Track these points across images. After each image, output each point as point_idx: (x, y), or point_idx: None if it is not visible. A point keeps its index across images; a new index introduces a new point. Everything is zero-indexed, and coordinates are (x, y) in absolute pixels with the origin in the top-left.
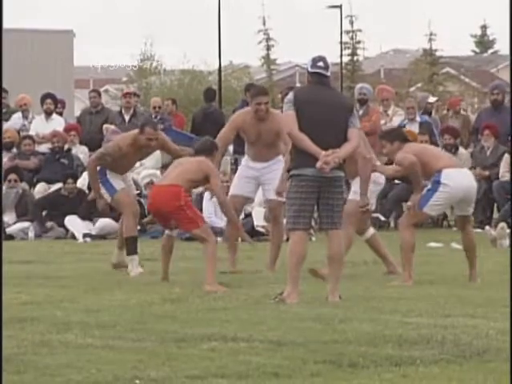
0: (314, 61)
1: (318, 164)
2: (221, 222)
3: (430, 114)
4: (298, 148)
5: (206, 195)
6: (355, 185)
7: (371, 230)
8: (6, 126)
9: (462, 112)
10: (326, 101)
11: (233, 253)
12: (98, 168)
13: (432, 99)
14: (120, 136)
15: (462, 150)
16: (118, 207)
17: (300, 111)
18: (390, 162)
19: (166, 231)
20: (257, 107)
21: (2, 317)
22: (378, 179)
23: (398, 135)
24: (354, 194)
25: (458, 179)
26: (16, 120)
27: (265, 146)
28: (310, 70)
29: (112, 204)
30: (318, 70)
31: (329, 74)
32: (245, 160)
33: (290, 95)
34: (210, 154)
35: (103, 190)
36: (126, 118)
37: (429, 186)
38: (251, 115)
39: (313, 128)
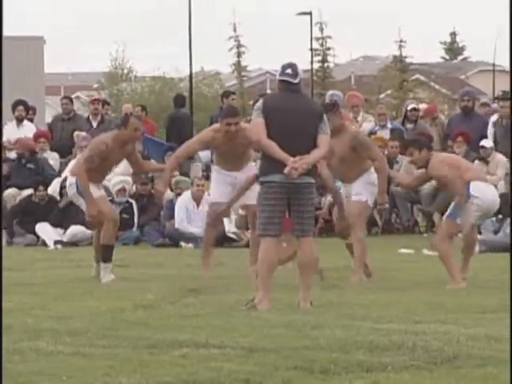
0: (283, 68)
1: (286, 170)
2: (191, 227)
3: (415, 121)
4: (266, 155)
5: (179, 201)
6: (356, 187)
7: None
8: None
9: (439, 118)
10: (294, 108)
11: (208, 258)
12: (74, 179)
13: (411, 106)
14: (100, 136)
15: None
16: (99, 215)
17: (269, 118)
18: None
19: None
20: (227, 128)
21: None
22: (375, 181)
23: (426, 143)
24: (356, 195)
25: (487, 193)
26: None
27: (237, 159)
28: (278, 77)
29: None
30: (285, 78)
31: (297, 80)
32: (217, 169)
33: (259, 103)
34: None
35: (81, 201)
36: (94, 124)
37: (456, 201)
38: (222, 133)
39: (282, 135)
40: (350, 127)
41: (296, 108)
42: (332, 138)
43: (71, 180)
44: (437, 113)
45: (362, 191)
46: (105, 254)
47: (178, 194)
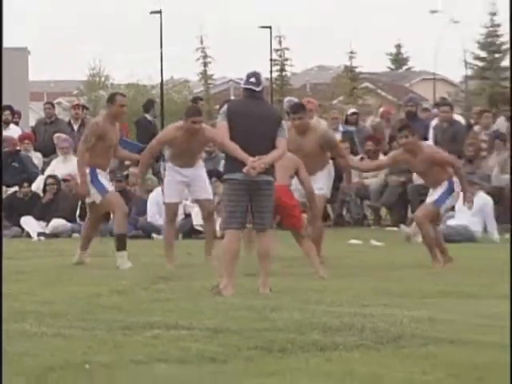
0: (248, 77)
1: (245, 169)
2: (162, 221)
3: (356, 123)
4: (229, 155)
5: (150, 197)
6: (319, 182)
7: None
8: None
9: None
10: (256, 113)
11: (171, 251)
12: (88, 170)
13: (351, 110)
14: (91, 121)
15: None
16: (108, 207)
17: (232, 122)
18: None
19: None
20: (192, 125)
21: None
22: (332, 172)
23: (416, 131)
24: (319, 190)
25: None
26: None
27: (191, 156)
28: (243, 85)
29: (101, 203)
30: (249, 86)
31: (259, 88)
32: (170, 166)
33: (224, 108)
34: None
35: (93, 190)
36: (75, 127)
37: (444, 190)
38: (183, 131)
39: (243, 137)
40: (318, 127)
41: (257, 113)
42: (300, 136)
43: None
44: (391, 115)
45: (323, 186)
46: (119, 243)
47: (149, 191)
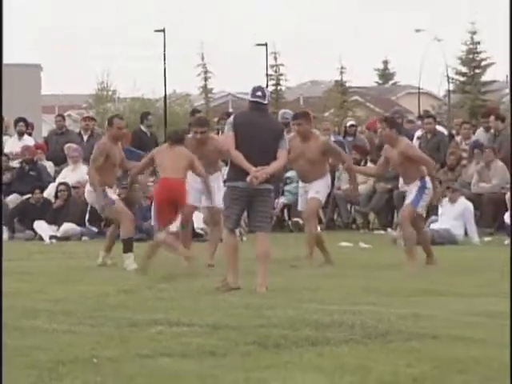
0: (254, 91)
1: (248, 178)
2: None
3: (354, 134)
4: (233, 163)
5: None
6: (316, 186)
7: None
8: None
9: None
10: (259, 124)
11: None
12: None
13: (350, 123)
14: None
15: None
16: (116, 215)
17: (237, 132)
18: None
19: (158, 235)
20: (194, 135)
21: None
22: (329, 183)
23: (398, 127)
24: (316, 193)
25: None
26: None
27: (208, 164)
28: (250, 98)
29: (109, 212)
30: (256, 99)
31: (266, 101)
32: (191, 173)
33: (231, 119)
34: (182, 142)
35: (104, 203)
36: (85, 138)
37: (417, 189)
38: (192, 140)
39: (247, 146)
40: (319, 135)
41: (261, 125)
42: (303, 142)
43: (88, 188)
44: (376, 127)
45: (320, 190)
46: (127, 246)
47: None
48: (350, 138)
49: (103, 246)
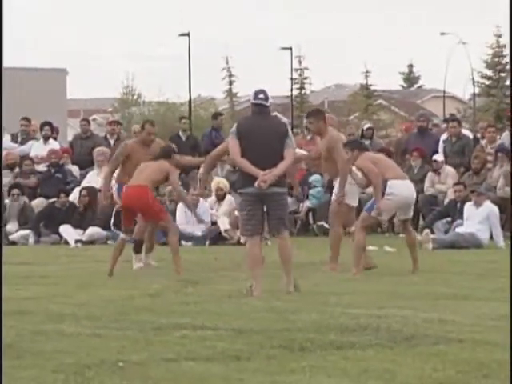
0: (256, 93)
1: (256, 183)
2: (189, 228)
3: (371, 138)
4: (241, 171)
5: (179, 207)
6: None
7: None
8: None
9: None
10: (263, 128)
11: None
12: (116, 185)
13: (367, 126)
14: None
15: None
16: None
17: (242, 139)
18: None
19: (121, 235)
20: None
21: (3, 310)
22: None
23: (358, 145)
24: (334, 195)
25: (401, 189)
26: (8, 143)
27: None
28: (252, 101)
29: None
30: (258, 102)
31: (268, 103)
32: None
33: (234, 127)
34: (168, 157)
35: (119, 202)
36: (111, 142)
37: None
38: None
39: (253, 152)
40: (331, 131)
41: (264, 128)
42: (321, 140)
43: (116, 185)
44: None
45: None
46: (137, 247)
47: (172, 201)
48: (367, 142)
49: (144, 248)
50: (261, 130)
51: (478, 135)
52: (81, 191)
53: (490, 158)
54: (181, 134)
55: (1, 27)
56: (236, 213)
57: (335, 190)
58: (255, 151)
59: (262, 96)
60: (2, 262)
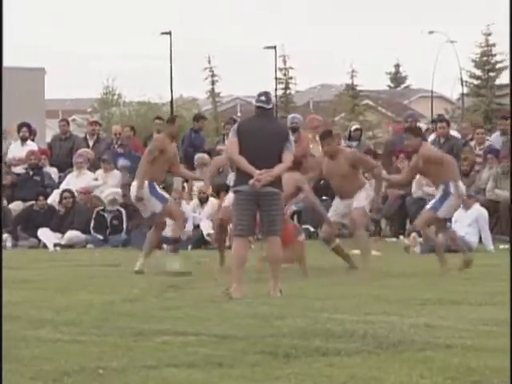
0: (258, 96)
1: (251, 181)
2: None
3: (359, 139)
4: (238, 169)
5: None
6: (358, 198)
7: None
8: None
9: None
10: (263, 130)
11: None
12: (147, 183)
13: (355, 127)
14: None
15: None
16: (169, 215)
17: (241, 138)
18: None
19: None
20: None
21: None
22: (371, 193)
23: (422, 134)
24: (357, 203)
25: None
26: None
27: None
28: (254, 103)
29: (162, 212)
30: (260, 104)
31: (270, 106)
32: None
33: (235, 125)
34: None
35: (154, 200)
36: (90, 143)
37: (440, 194)
38: None
39: (251, 152)
40: (345, 149)
41: (265, 130)
42: (331, 159)
43: (135, 183)
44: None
45: (361, 200)
46: (175, 247)
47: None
48: (354, 143)
49: (143, 252)
50: (261, 131)
51: (458, 135)
52: (62, 193)
53: (479, 159)
54: (155, 135)
55: (1, 27)
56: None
57: (358, 199)
58: (253, 151)
59: (263, 98)
60: None
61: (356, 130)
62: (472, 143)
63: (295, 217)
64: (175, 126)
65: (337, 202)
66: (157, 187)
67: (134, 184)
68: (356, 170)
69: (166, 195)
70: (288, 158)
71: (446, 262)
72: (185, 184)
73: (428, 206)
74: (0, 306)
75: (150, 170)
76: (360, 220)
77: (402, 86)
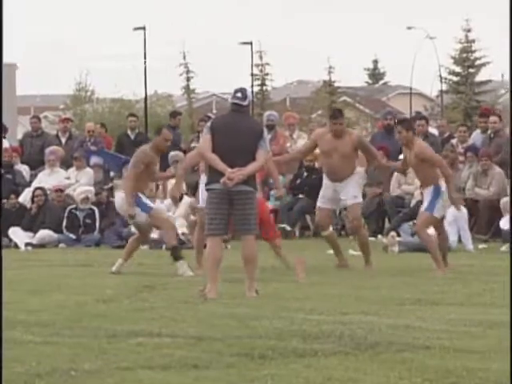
0: (235, 92)
1: (222, 179)
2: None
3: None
4: (210, 167)
5: None
6: (352, 191)
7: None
8: None
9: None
10: (237, 127)
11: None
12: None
13: None
14: (140, 148)
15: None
16: (155, 223)
17: (215, 136)
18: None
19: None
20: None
21: None
22: (361, 180)
23: (413, 127)
24: (354, 198)
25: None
26: None
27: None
28: (230, 100)
29: (146, 220)
30: (235, 101)
31: (245, 103)
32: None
33: (209, 123)
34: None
35: (138, 210)
36: (63, 140)
37: (432, 194)
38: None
39: (224, 150)
40: (352, 131)
41: (239, 127)
42: (336, 138)
43: (122, 195)
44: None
45: (357, 194)
46: (176, 254)
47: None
48: None
49: (123, 254)
50: (235, 128)
51: (436, 132)
52: (34, 191)
53: (462, 158)
54: (129, 132)
55: (1, 27)
56: (192, 217)
57: (353, 194)
58: (226, 149)
59: (239, 95)
60: None
61: None
62: (454, 141)
63: (271, 215)
64: (161, 138)
65: (324, 188)
66: (142, 197)
67: (121, 195)
68: (355, 154)
69: (151, 204)
70: (261, 156)
71: (440, 263)
72: (159, 183)
73: (423, 208)
74: (0, 305)
75: (135, 183)
76: (358, 223)
77: (381, 82)
